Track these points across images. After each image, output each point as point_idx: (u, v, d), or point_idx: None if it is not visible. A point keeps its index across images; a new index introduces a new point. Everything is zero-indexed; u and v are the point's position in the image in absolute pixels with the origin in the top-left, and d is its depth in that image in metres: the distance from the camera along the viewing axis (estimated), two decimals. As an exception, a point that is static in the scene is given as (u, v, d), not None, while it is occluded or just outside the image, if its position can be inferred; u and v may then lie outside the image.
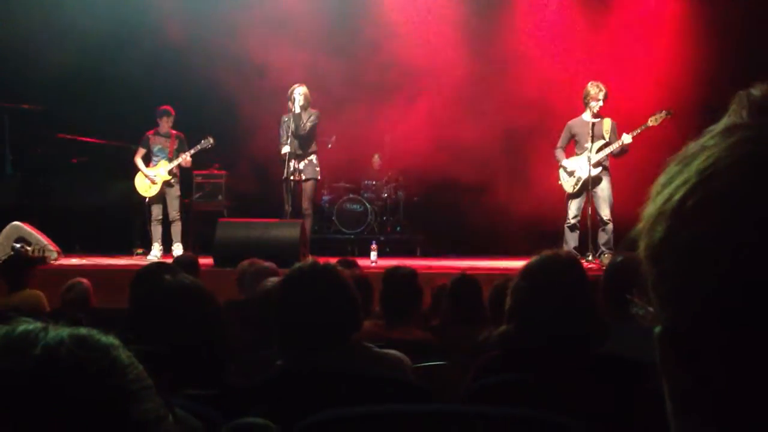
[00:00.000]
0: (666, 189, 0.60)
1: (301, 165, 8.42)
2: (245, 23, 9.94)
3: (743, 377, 0.55)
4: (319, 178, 8.64)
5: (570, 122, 8.10)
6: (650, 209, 0.61)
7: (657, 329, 0.61)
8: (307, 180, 8.45)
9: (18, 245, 8.26)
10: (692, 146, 0.61)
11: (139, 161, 8.95)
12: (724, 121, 0.61)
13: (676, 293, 0.59)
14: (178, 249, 8.86)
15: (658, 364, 0.62)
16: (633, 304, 0.69)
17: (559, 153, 8.12)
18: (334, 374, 2.32)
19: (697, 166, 0.58)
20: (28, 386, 0.64)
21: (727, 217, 0.55)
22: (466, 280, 4.10)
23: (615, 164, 8.01)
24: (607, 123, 7.93)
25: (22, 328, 0.69)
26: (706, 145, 0.59)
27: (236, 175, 10.25)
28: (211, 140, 8.91)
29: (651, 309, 0.64)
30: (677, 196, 0.58)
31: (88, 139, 10.03)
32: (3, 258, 7.94)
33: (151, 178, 8.89)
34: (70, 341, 0.68)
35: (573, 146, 8.13)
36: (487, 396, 2.18)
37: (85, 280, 5.30)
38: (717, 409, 0.57)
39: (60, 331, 0.69)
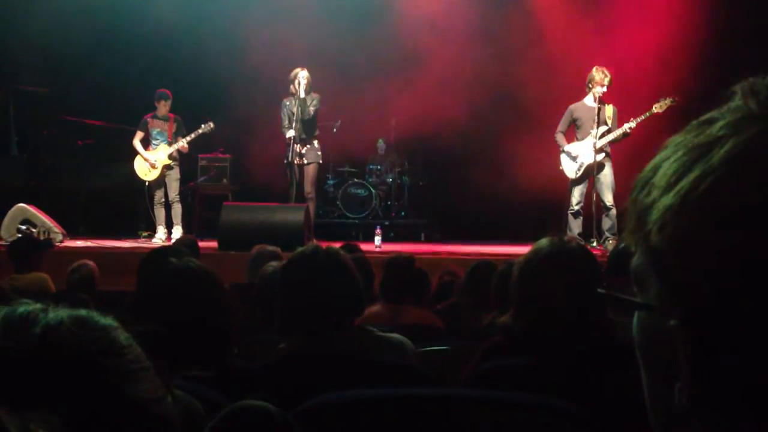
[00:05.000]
0: (684, 179, 0.58)
1: (304, 149, 8.43)
2: (247, 6, 9.90)
3: (757, 371, 0.55)
4: (320, 162, 8.65)
5: (572, 106, 8.06)
6: (667, 200, 0.58)
7: (672, 321, 0.59)
8: (309, 164, 8.47)
9: (23, 227, 8.29)
10: (698, 135, 0.59)
11: (137, 145, 8.92)
12: (732, 111, 0.59)
13: (703, 287, 0.56)
14: (177, 232, 8.86)
15: (669, 353, 0.61)
16: (631, 288, 0.68)
17: (560, 137, 8.08)
18: (336, 357, 2.32)
19: (719, 158, 0.56)
20: (27, 364, 0.65)
21: (759, 214, 0.54)
22: (484, 265, 4.08)
23: (617, 149, 7.98)
24: (609, 109, 7.89)
25: (22, 308, 0.70)
26: (717, 135, 0.58)
27: (240, 159, 10.24)
28: (212, 124, 8.87)
29: (652, 297, 0.62)
30: (703, 187, 0.56)
31: (94, 122, 10.03)
32: (10, 240, 7.99)
33: (151, 162, 8.88)
34: (69, 321, 0.69)
35: (572, 130, 8.09)
36: (490, 381, 2.18)
37: (90, 262, 5.32)
38: (722, 400, 0.57)
39: (60, 312, 0.70)
